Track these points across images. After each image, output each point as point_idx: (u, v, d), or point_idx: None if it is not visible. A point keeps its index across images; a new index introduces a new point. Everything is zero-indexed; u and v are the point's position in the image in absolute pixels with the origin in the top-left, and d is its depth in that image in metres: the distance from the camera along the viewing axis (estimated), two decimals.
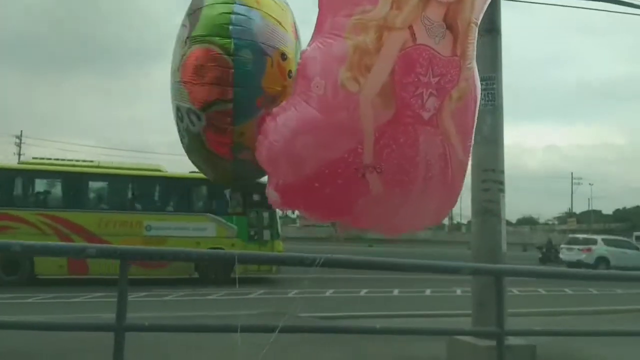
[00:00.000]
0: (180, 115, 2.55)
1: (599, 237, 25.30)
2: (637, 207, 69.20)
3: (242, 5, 2.50)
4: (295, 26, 2.74)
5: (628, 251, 23.51)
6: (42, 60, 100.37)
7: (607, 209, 78.93)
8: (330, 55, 2.31)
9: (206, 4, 2.51)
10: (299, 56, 2.63)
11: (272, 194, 2.50)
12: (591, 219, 65.49)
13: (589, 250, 22.92)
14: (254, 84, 2.49)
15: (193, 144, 2.61)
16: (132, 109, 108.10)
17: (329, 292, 12.35)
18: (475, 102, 2.55)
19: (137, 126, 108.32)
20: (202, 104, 2.48)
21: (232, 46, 2.44)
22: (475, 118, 2.61)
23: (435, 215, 2.74)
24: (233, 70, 2.44)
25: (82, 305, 9.99)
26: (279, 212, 15.06)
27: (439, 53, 2.30)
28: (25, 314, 8.12)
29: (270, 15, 2.55)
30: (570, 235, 28.58)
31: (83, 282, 12.66)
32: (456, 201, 2.79)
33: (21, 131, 58.41)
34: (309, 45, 2.41)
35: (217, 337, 4.26)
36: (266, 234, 14.39)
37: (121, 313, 3.18)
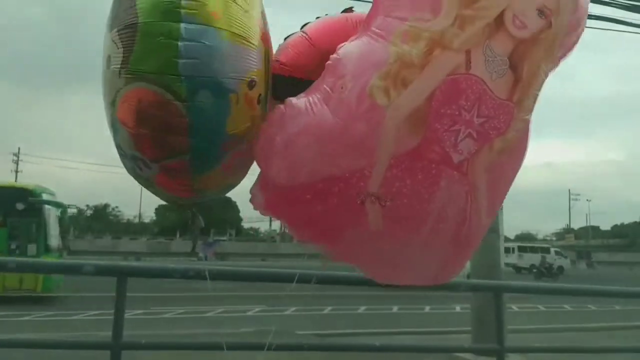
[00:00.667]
0: (123, 153, 2.05)
1: None
2: (636, 222, 69.22)
3: (192, 24, 1.88)
4: (263, 21, 2.16)
5: None
6: (41, 78, 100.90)
7: (605, 225, 79.04)
8: (367, 57, 1.95)
9: (142, 20, 1.89)
10: (276, 50, 2.28)
11: (257, 196, 2.10)
12: (589, 235, 65.43)
13: None
14: (215, 131, 1.96)
15: (144, 184, 2.17)
16: None
17: (327, 309, 12.26)
18: (520, 162, 2.21)
19: None
20: (152, 157, 1.98)
21: (184, 89, 1.86)
22: (514, 180, 2.24)
23: (437, 275, 2.33)
24: (187, 120, 1.89)
25: (79, 323, 9.89)
26: (51, 223, 13.54)
27: (492, 91, 1.95)
28: (21, 332, 8.03)
29: (233, 32, 1.95)
30: None
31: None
32: (464, 265, 2.41)
33: (19, 148, 58.56)
34: (352, 39, 2.05)
35: (215, 355, 4.22)
36: (31, 248, 12.75)
37: (118, 331, 3.16)
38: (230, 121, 1.99)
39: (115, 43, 1.96)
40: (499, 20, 1.95)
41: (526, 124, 2.13)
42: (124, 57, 1.90)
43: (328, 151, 1.93)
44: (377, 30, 1.97)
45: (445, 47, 1.90)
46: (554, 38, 2.04)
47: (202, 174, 2.05)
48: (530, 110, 2.11)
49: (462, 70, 1.91)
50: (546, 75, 2.11)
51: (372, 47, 1.95)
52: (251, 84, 2.05)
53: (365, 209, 1.93)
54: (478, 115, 1.93)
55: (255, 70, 2.07)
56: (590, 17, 6.96)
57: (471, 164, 1.98)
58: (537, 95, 2.12)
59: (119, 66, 1.91)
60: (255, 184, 2.13)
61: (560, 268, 33.92)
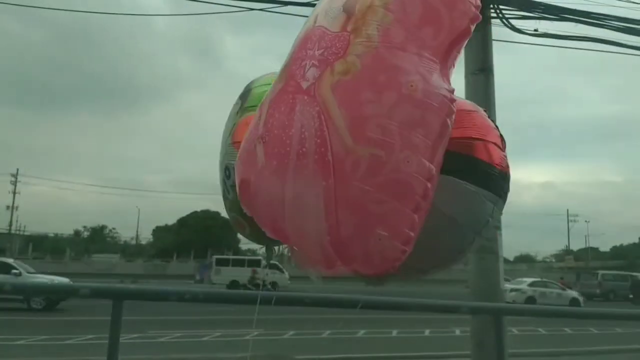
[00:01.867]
0: (228, 173, 2.92)
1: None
2: (635, 244, 69.09)
3: None
4: None
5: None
6: (40, 100, 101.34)
7: (604, 246, 78.82)
8: None
9: (254, 86, 3.05)
10: None
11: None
12: (589, 256, 65.28)
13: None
14: None
15: (228, 204, 2.94)
16: (129, 147, 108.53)
17: (326, 333, 12.13)
18: (377, 91, 2.15)
19: (134, 164, 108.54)
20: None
21: None
22: (378, 106, 2.12)
23: (333, 230, 1.96)
24: None
25: (73, 348, 9.76)
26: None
27: (328, 30, 2.39)
28: (15, 357, 7.93)
29: None
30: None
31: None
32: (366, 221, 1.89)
33: (17, 169, 58.70)
34: None
35: None
36: None
37: (112, 356, 3.10)
38: None
39: (237, 104, 2.97)
40: None
41: (372, 50, 2.26)
42: (241, 106, 2.94)
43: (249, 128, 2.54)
44: None
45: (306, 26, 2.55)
46: None
47: None
48: (373, 38, 2.28)
49: (311, 26, 2.46)
50: (386, 9, 2.33)
51: None
52: None
53: (257, 151, 2.36)
54: (318, 49, 2.37)
55: None
56: (587, 39, 7.05)
57: (317, 86, 2.31)
58: (387, 26, 2.29)
59: (237, 111, 2.94)
60: None
61: (274, 284, 29.72)
